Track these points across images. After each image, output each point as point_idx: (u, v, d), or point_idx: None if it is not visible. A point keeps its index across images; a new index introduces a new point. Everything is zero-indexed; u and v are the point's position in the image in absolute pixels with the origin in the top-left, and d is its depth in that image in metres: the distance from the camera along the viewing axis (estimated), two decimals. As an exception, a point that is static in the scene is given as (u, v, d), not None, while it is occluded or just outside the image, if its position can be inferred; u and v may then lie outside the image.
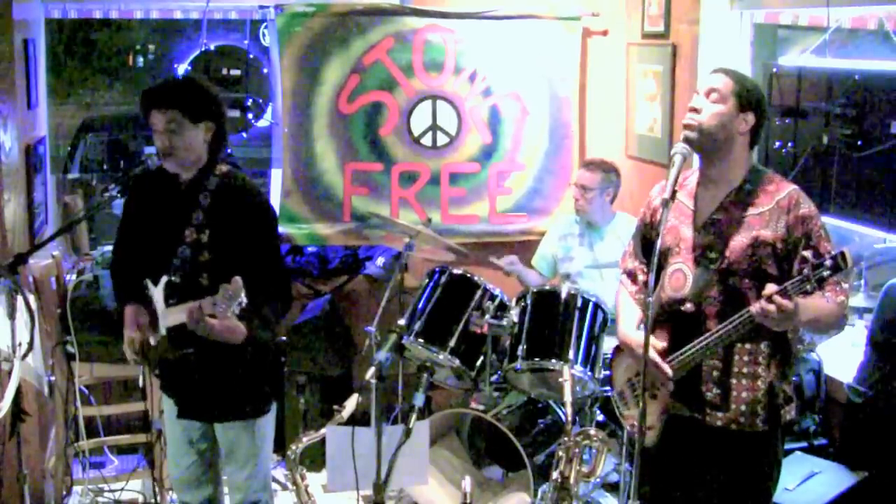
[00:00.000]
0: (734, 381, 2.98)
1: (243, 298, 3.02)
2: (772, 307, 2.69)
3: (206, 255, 3.27)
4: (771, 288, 2.72)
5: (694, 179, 3.11)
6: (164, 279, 3.27)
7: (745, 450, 3.01)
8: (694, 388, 3.03)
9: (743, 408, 2.97)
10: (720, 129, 2.95)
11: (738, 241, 2.94)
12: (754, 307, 2.76)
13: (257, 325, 3.25)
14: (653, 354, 3.06)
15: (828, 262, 2.64)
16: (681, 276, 3.04)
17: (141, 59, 7.76)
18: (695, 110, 2.97)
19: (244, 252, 3.26)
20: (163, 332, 3.30)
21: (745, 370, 2.97)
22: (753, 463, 3.02)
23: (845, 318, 2.95)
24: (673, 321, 3.06)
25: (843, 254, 2.63)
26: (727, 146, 2.97)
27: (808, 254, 2.74)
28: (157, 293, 3.29)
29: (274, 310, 3.34)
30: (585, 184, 4.74)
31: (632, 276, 3.35)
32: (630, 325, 3.24)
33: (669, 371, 3.02)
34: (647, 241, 3.28)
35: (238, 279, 3.02)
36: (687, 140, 2.99)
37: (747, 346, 2.96)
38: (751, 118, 2.97)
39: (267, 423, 3.52)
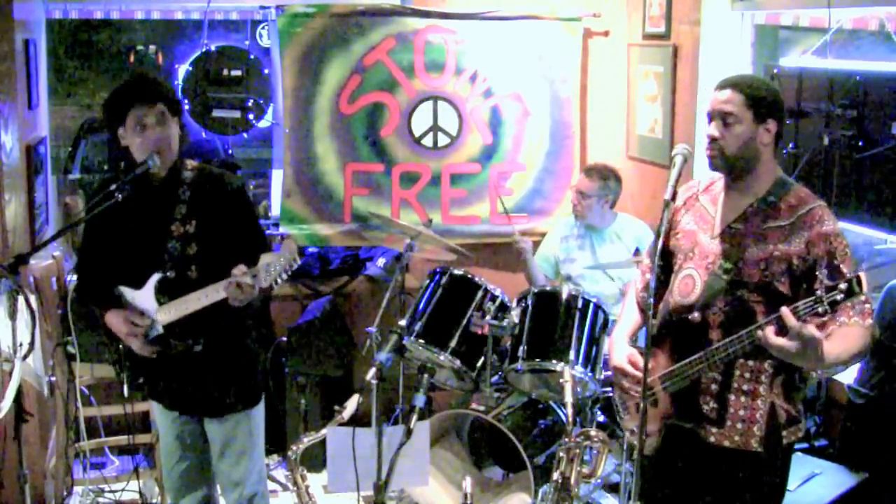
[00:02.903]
0: (732, 396, 2.91)
1: (297, 261, 3.05)
2: (780, 342, 2.61)
3: (193, 248, 3.29)
4: (786, 315, 2.61)
5: (720, 185, 3.02)
6: (156, 277, 3.27)
7: (740, 469, 2.93)
8: (693, 400, 2.97)
9: (739, 425, 2.90)
10: (745, 150, 2.86)
11: (753, 254, 2.84)
12: (772, 339, 2.65)
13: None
14: (625, 365, 3.07)
15: (842, 286, 2.55)
16: (690, 282, 2.98)
17: (142, 60, 7.75)
18: (714, 139, 2.88)
19: (232, 236, 3.29)
20: (160, 330, 3.30)
21: (744, 387, 2.90)
22: (748, 484, 2.94)
23: (872, 339, 2.79)
24: (676, 330, 3.01)
25: (858, 278, 2.54)
26: (755, 161, 2.88)
27: (822, 274, 2.66)
28: (142, 295, 3.29)
29: None
30: (583, 190, 4.75)
31: (643, 273, 3.30)
32: (622, 335, 3.19)
33: (636, 375, 3.01)
34: (664, 242, 3.20)
35: (292, 242, 3.05)
36: (714, 168, 2.94)
37: (749, 362, 2.88)
38: (773, 125, 2.86)
39: (259, 414, 3.54)
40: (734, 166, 2.91)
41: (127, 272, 3.34)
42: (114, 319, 3.33)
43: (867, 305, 2.75)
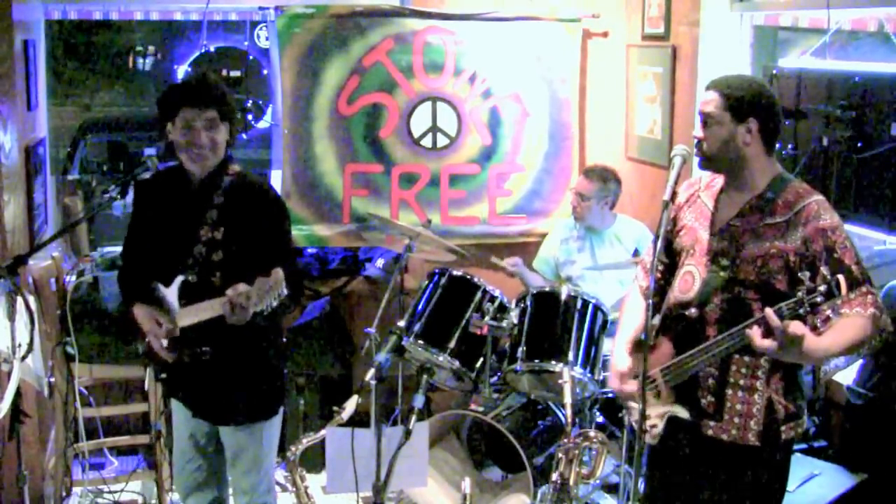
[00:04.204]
0: (729, 391, 2.92)
1: (284, 290, 3.00)
2: (765, 345, 2.64)
3: (219, 254, 3.26)
4: (770, 316, 2.63)
5: (720, 182, 3.04)
6: (180, 279, 3.25)
7: (738, 463, 2.95)
8: (691, 393, 2.99)
9: (736, 420, 2.92)
10: (725, 151, 2.89)
11: (750, 251, 2.86)
12: (757, 341, 2.68)
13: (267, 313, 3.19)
14: (618, 381, 3.09)
15: (822, 288, 2.58)
16: (689, 279, 2.99)
17: (141, 61, 7.76)
18: (698, 140, 2.93)
19: (258, 248, 3.23)
20: (176, 332, 3.28)
21: (741, 382, 2.91)
22: (746, 477, 2.95)
23: (883, 330, 2.76)
24: (676, 326, 3.03)
25: (837, 280, 2.56)
26: (740, 160, 2.90)
27: (804, 276, 2.67)
28: (170, 294, 3.27)
29: (287, 297, 3.25)
30: (583, 192, 4.75)
31: (646, 270, 3.30)
32: (623, 341, 3.17)
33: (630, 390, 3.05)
34: (668, 240, 3.21)
35: (279, 270, 2.99)
36: (703, 168, 3.00)
37: (746, 358, 2.89)
38: (754, 124, 2.87)
39: (273, 428, 3.50)
40: (719, 166, 2.96)
41: (158, 269, 3.32)
42: (140, 313, 3.30)
43: (869, 297, 2.75)
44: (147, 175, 3.40)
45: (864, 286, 2.75)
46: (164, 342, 3.25)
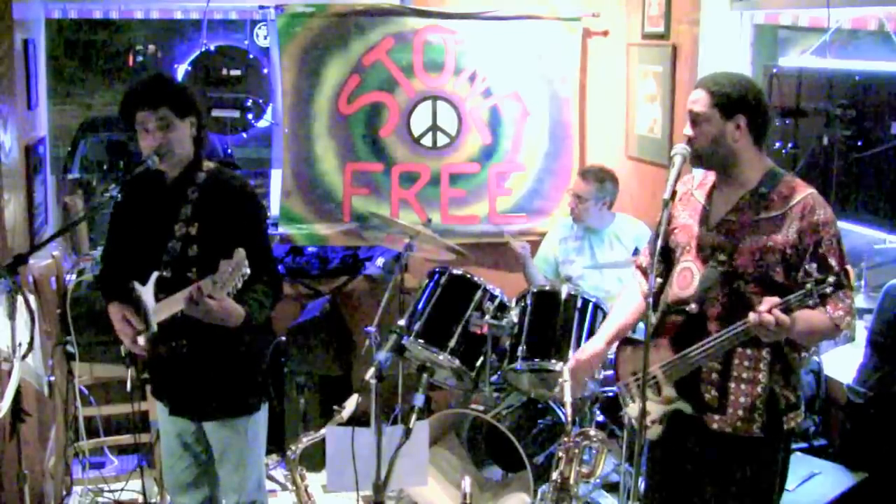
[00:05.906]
0: (732, 384, 2.95)
1: (246, 269, 3.01)
2: (770, 319, 2.68)
3: (194, 249, 3.26)
4: (772, 300, 2.70)
5: (712, 178, 3.09)
6: (155, 275, 3.25)
7: (742, 454, 2.98)
8: (694, 388, 3.02)
9: (740, 412, 2.95)
10: (715, 147, 2.94)
11: (748, 245, 2.90)
12: (752, 317, 2.74)
13: (253, 308, 3.21)
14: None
15: (831, 279, 2.63)
16: (688, 275, 3.02)
17: (141, 60, 7.76)
18: (689, 139, 2.97)
19: (233, 243, 3.19)
20: (154, 328, 3.28)
21: (744, 375, 2.94)
22: (750, 468, 2.99)
23: (840, 331, 2.87)
24: (675, 322, 3.04)
25: (846, 271, 2.62)
26: (731, 157, 2.95)
27: (811, 267, 2.72)
28: (146, 291, 3.27)
29: (265, 294, 3.29)
30: (580, 193, 4.74)
31: (644, 272, 3.32)
32: (601, 336, 3.31)
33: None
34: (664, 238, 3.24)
35: (241, 250, 3.00)
36: (695, 166, 3.04)
37: (748, 351, 2.93)
38: (742, 120, 2.91)
39: (257, 423, 3.49)
40: (710, 163, 3.01)
41: (136, 268, 3.32)
42: (112, 312, 3.32)
43: (841, 302, 2.82)
44: (138, 170, 3.40)
45: (839, 292, 2.79)
46: (141, 340, 3.25)
